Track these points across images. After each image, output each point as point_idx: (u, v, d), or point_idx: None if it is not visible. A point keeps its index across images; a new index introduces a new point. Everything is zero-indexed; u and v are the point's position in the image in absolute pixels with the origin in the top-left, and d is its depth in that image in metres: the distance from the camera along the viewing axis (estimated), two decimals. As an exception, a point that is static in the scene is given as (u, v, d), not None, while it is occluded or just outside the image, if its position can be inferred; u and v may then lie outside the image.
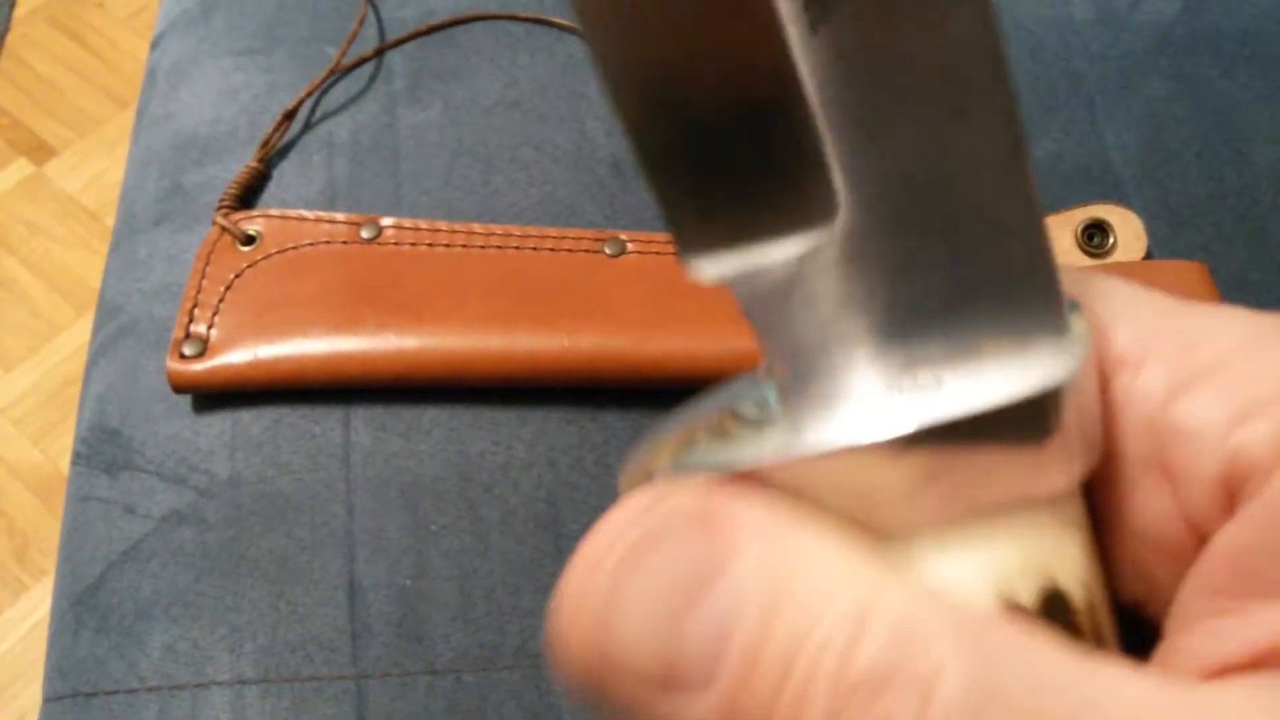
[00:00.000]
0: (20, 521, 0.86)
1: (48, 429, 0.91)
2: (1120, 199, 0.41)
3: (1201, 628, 0.12)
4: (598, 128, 0.43)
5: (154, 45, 0.49)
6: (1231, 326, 0.13)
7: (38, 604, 0.83)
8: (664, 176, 0.12)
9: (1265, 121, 0.43)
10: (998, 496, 0.13)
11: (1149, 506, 0.14)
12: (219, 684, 0.32)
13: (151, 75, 0.48)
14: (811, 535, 0.12)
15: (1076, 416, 0.13)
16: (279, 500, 0.35)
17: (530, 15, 0.46)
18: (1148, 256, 0.39)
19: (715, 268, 0.13)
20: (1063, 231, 0.39)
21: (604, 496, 0.35)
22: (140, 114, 0.47)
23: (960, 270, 0.13)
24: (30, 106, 1.13)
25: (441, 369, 0.36)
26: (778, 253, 0.13)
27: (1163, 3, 0.46)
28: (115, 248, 0.43)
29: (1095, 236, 0.39)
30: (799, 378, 0.13)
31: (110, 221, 1.04)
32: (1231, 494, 0.13)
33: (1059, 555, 0.13)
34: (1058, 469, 0.13)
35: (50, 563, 0.85)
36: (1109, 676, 0.11)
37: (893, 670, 0.11)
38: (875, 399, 0.13)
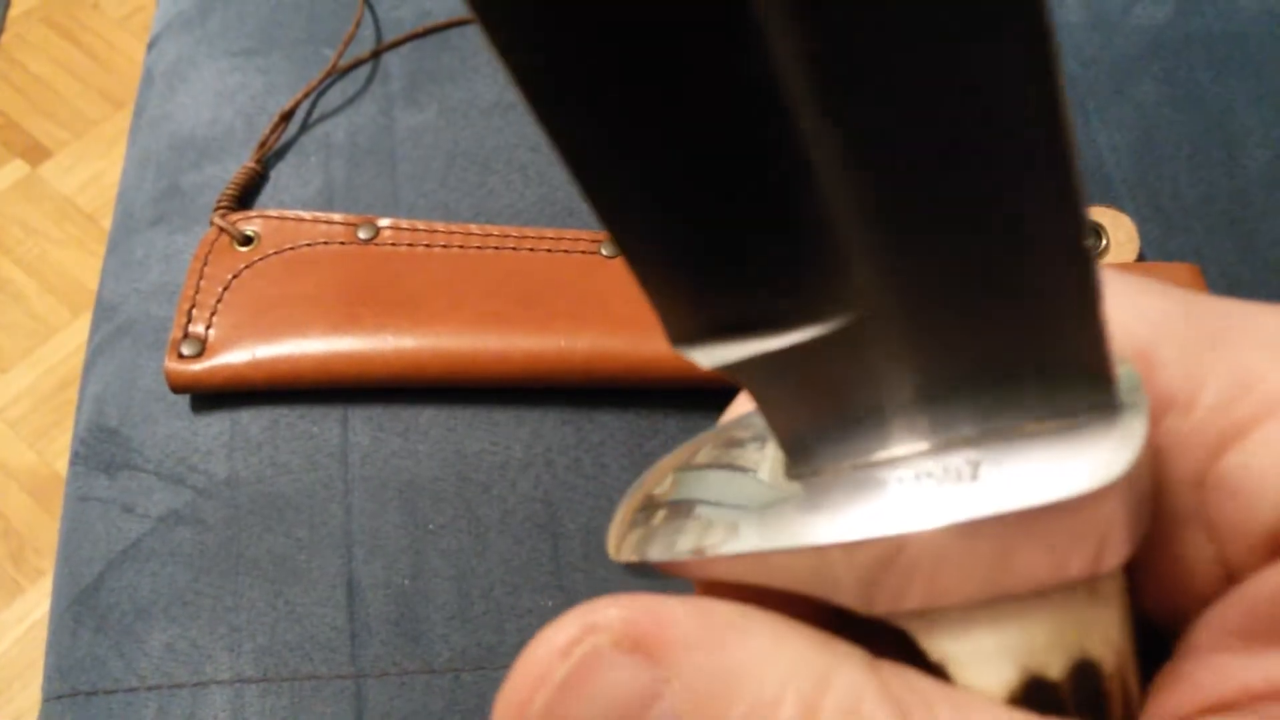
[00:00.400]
0: (16, 523, 0.86)
1: (43, 430, 0.91)
2: (1113, 201, 0.41)
3: (1209, 660, 0.12)
4: (594, 130, 0.43)
5: (151, 46, 0.50)
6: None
7: (34, 606, 0.83)
8: (649, 268, 0.11)
9: (1256, 124, 0.44)
10: (1030, 583, 0.12)
11: (1187, 557, 0.13)
12: (218, 683, 0.32)
13: (148, 76, 0.48)
14: (753, 633, 0.12)
15: (1130, 501, 0.11)
16: (277, 500, 0.35)
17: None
18: (1140, 258, 0.39)
19: (710, 357, 0.11)
20: (1056, 233, 0.39)
21: (600, 496, 0.35)
22: (137, 115, 0.47)
23: (998, 348, 0.11)
24: (26, 107, 1.13)
25: (439, 369, 0.36)
26: (781, 342, 0.11)
27: (1154, 7, 0.47)
28: (112, 248, 0.43)
29: (1088, 239, 0.39)
30: (806, 457, 0.12)
31: (106, 223, 1.04)
32: (1278, 548, 0.12)
33: (1094, 628, 0.13)
34: (1104, 556, 0.12)
35: (46, 564, 0.85)
36: None
37: None
38: (899, 488, 0.12)
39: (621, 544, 0.15)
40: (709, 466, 0.15)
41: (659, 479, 0.15)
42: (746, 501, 0.13)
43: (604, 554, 0.34)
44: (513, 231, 0.39)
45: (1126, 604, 0.13)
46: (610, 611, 0.13)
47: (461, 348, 0.36)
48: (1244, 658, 0.12)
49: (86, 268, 1.01)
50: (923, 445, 0.12)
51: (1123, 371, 0.12)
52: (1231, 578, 0.12)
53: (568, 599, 0.33)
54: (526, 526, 0.34)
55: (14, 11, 1.21)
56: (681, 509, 0.14)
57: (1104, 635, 0.13)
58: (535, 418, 0.37)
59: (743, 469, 0.14)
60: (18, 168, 1.08)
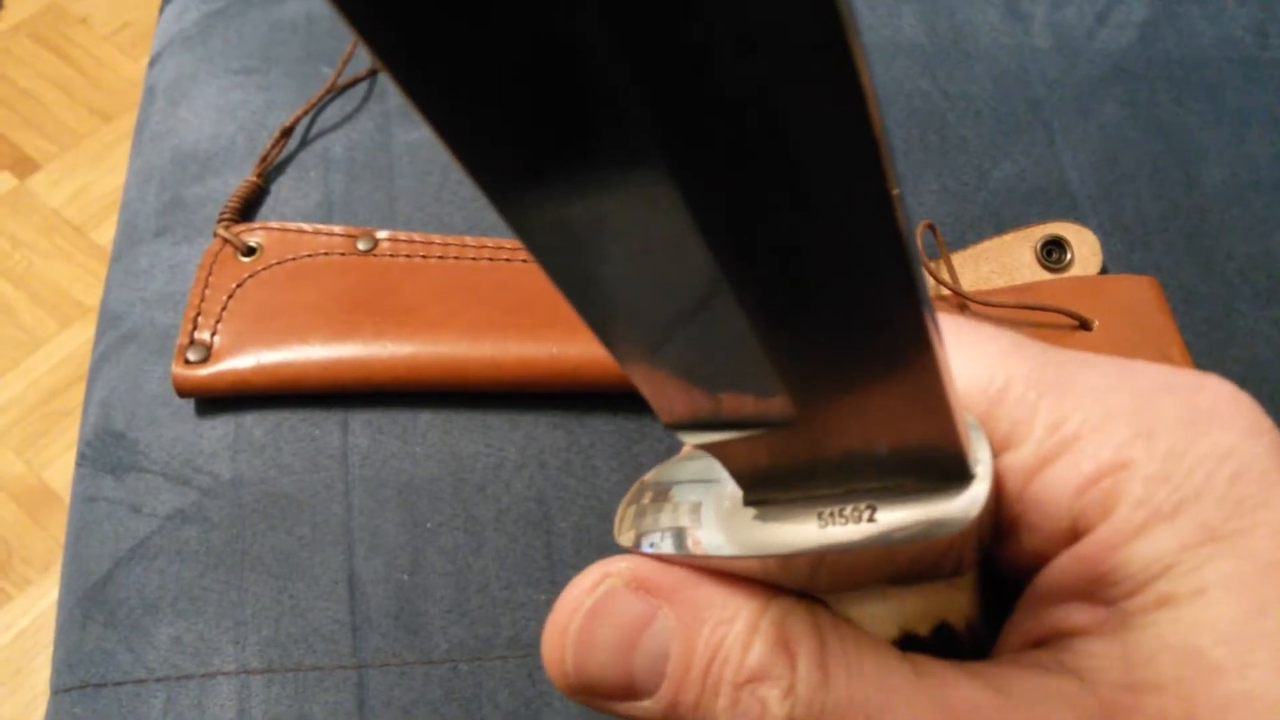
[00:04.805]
0: (4, 532, 0.87)
1: (31, 440, 0.92)
2: (1077, 217, 0.43)
3: (1033, 612, 0.18)
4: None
5: (152, 63, 0.51)
6: (1090, 408, 0.17)
7: (21, 614, 0.84)
8: (647, 393, 0.15)
9: (1213, 145, 0.46)
10: (906, 578, 0.17)
11: (1018, 547, 0.18)
12: (224, 674, 0.33)
13: (150, 92, 0.50)
14: (717, 579, 0.18)
15: (971, 537, 0.16)
16: (280, 499, 0.36)
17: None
18: (1103, 271, 0.41)
19: (690, 439, 0.16)
20: (1023, 247, 0.42)
21: (591, 496, 0.37)
22: (139, 129, 0.49)
23: (885, 442, 0.15)
24: (13, 120, 1.14)
25: (436, 375, 0.38)
26: (742, 434, 0.15)
27: (1117, 32, 0.49)
28: (116, 258, 0.44)
29: (1054, 252, 0.41)
30: (757, 491, 0.17)
31: (94, 235, 1.05)
32: (1069, 540, 0.17)
33: (950, 603, 0.18)
34: (955, 566, 0.17)
35: (34, 573, 0.85)
36: (915, 665, 0.17)
37: (769, 667, 0.17)
38: (819, 520, 0.16)
39: (621, 524, 0.19)
40: (688, 460, 0.20)
41: (652, 472, 0.20)
42: (713, 503, 0.18)
43: (594, 550, 0.36)
44: (506, 244, 0.41)
45: (976, 586, 0.19)
46: (621, 564, 0.18)
47: (457, 354, 0.38)
48: (1052, 610, 0.17)
49: (74, 280, 1.02)
50: (839, 491, 0.16)
51: (978, 442, 0.16)
52: (1045, 558, 0.18)
53: (559, 593, 0.35)
54: (520, 525, 0.36)
55: (2, 26, 1.22)
56: (663, 491, 0.19)
57: (958, 608, 0.18)
58: (528, 421, 0.38)
59: (712, 478, 0.19)
60: (5, 180, 1.09)
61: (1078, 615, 0.17)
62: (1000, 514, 0.18)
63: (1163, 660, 0.15)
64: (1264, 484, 0.16)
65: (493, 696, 0.33)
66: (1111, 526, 0.16)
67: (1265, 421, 0.17)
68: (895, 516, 0.16)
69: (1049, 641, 0.17)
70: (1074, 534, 0.17)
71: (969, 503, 0.16)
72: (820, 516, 0.16)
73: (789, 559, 0.17)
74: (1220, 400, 0.17)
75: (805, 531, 0.16)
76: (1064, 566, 0.17)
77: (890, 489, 0.16)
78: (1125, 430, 0.17)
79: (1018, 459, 0.17)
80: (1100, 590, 0.16)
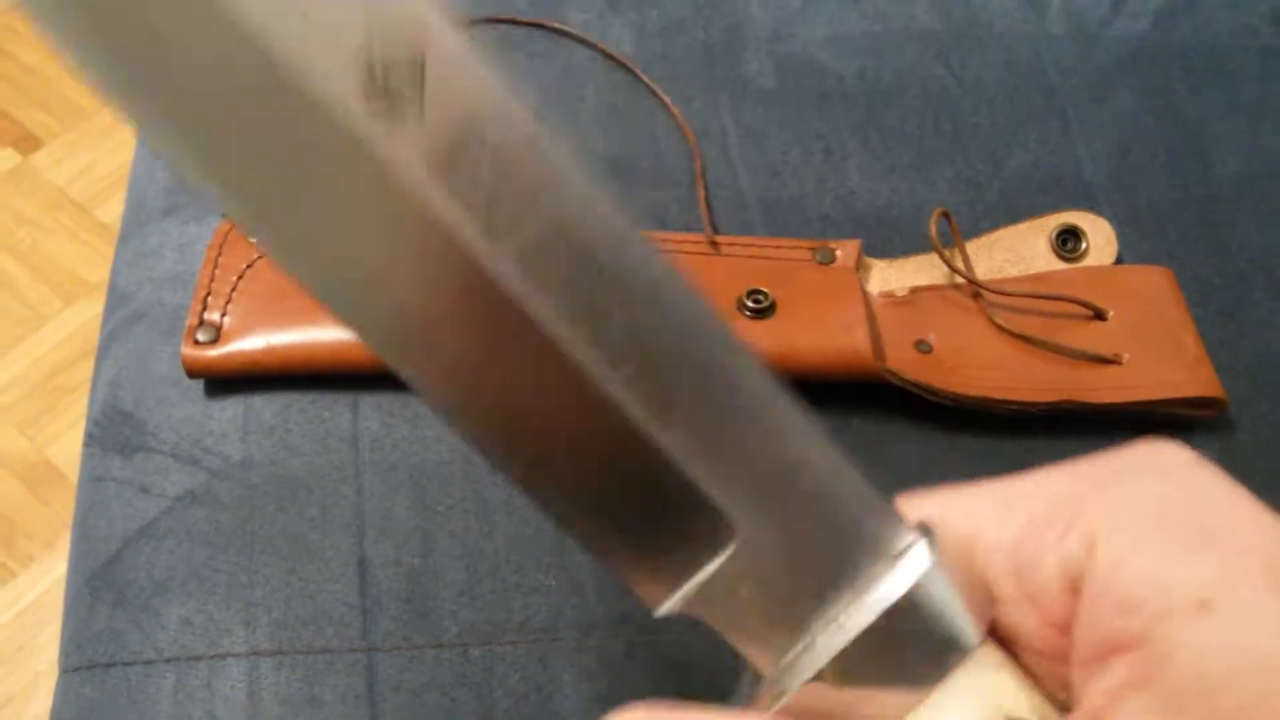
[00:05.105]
0: (7, 509, 0.87)
1: (34, 418, 0.92)
2: (1091, 206, 0.43)
3: (1083, 688, 0.18)
4: (595, 131, 0.45)
5: (160, 41, 0.51)
6: (1040, 484, 0.19)
7: (25, 590, 0.84)
8: (610, 565, 0.18)
9: (1228, 134, 0.46)
10: (930, 675, 0.18)
11: (1025, 628, 0.19)
12: (234, 655, 0.33)
13: (158, 70, 0.49)
14: None
15: (954, 591, 0.18)
16: (290, 481, 0.36)
17: (530, 20, 0.48)
18: (1118, 261, 0.41)
19: (673, 606, 0.18)
20: (1038, 235, 0.41)
21: (601, 481, 0.37)
22: (147, 108, 0.48)
23: (830, 546, 0.18)
24: (17, 97, 1.13)
25: (446, 358, 0.38)
26: (707, 573, 0.17)
27: (1133, 20, 0.49)
28: (124, 238, 0.44)
29: (1069, 241, 0.41)
30: (760, 650, 0.19)
31: (98, 213, 1.05)
32: (1075, 593, 0.18)
33: (1005, 694, 0.18)
34: (959, 629, 0.18)
35: (38, 550, 0.85)
36: None
37: None
38: (821, 641, 0.18)
39: None
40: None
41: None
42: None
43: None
44: (518, 226, 0.40)
45: (1018, 669, 0.19)
46: (638, 713, 0.19)
47: (468, 338, 0.38)
48: (1090, 682, 0.18)
49: (78, 257, 1.01)
50: (827, 601, 0.18)
51: (919, 536, 0.19)
52: (1061, 627, 0.18)
53: (570, 578, 0.35)
54: (531, 508, 0.36)
55: (4, 2, 1.21)
56: None
57: (1018, 696, 0.18)
58: (539, 406, 0.38)
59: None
60: (9, 157, 1.09)
61: (1118, 675, 0.17)
62: (1018, 603, 0.19)
63: (1224, 683, 0.15)
64: (1222, 498, 0.17)
65: (503, 680, 0.33)
66: (1106, 552, 0.17)
67: (1195, 455, 0.18)
68: (878, 595, 0.18)
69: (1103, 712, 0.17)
70: (1073, 583, 0.18)
71: (925, 545, 0.18)
72: (828, 626, 0.18)
73: (837, 677, 0.18)
74: (1153, 448, 0.19)
75: (827, 642, 0.18)
76: (1090, 616, 0.17)
77: (859, 582, 0.18)
78: (1081, 488, 0.18)
79: (991, 540, 0.19)
80: (1133, 619, 0.16)
